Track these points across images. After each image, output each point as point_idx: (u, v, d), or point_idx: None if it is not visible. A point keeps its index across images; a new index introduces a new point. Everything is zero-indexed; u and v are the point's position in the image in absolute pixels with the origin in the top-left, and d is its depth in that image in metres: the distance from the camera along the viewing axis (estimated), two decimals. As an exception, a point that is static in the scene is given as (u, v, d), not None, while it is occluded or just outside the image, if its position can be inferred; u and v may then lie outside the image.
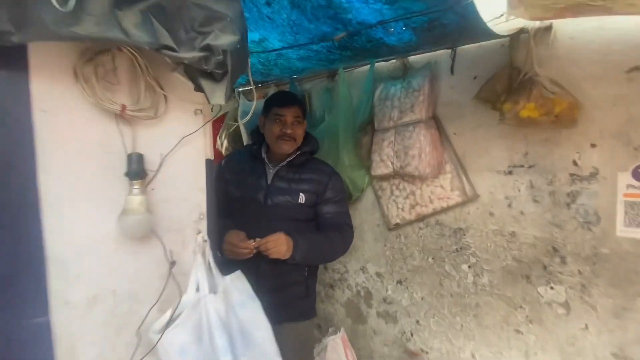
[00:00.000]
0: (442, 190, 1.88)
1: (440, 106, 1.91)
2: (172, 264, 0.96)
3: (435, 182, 1.89)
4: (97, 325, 0.89)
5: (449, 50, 1.83)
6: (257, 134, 1.66)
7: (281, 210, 1.54)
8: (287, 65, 2.07)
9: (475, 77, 1.78)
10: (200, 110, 1.05)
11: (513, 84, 1.53)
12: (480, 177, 1.79)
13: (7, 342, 0.76)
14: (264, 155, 1.60)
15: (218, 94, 0.84)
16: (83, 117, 0.85)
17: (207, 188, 1.07)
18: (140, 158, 0.90)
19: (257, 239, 1.35)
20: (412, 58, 1.99)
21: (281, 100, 1.53)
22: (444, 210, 1.92)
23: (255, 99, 1.29)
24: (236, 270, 1.05)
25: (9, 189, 0.76)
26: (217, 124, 3.12)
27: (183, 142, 1.00)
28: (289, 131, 1.50)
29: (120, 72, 0.89)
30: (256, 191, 1.57)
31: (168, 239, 0.98)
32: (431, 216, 1.98)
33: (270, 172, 1.59)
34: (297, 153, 1.58)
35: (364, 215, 2.35)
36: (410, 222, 2.07)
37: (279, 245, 1.36)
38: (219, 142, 3.06)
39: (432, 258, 2.04)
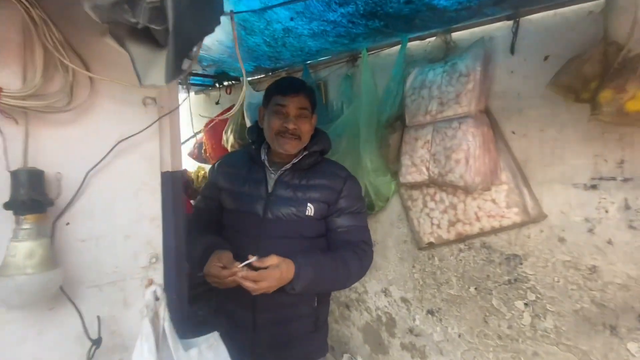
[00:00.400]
0: (494, 206, 1.45)
1: (495, 97, 1.47)
2: (95, 343, 0.61)
3: (485, 196, 1.46)
4: None
5: (509, 23, 1.39)
6: (256, 130, 1.29)
7: (284, 225, 1.18)
8: (298, 46, 1.68)
9: (546, 58, 1.33)
10: (153, 100, 0.68)
11: (611, 65, 1.08)
12: (548, 191, 1.36)
13: None
14: (263, 157, 1.23)
15: (154, 71, 0.47)
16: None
17: (165, 216, 0.71)
18: (35, 178, 0.54)
19: (241, 266, 0.99)
20: (457, 34, 1.55)
21: (283, 87, 1.15)
22: (495, 231, 1.49)
23: (244, 87, 0.91)
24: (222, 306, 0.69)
25: None
26: (221, 120, 2.79)
27: (123, 149, 0.64)
28: (291, 126, 1.13)
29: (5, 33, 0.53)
30: (254, 202, 1.21)
31: (94, 300, 0.63)
32: (476, 237, 1.56)
33: (272, 177, 1.23)
34: (304, 154, 1.21)
35: (387, 228, 1.95)
36: (448, 243, 1.66)
37: (267, 281, 0.99)
38: (224, 138, 2.74)
39: (475, 288, 1.62)
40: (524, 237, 1.44)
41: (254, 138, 1.28)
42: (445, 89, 1.48)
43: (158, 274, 0.71)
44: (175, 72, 0.48)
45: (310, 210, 1.19)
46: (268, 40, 1.64)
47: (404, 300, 1.95)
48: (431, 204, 1.65)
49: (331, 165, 1.29)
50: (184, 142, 3.23)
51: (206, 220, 1.30)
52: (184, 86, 2.47)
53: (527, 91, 1.38)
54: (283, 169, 1.21)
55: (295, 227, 1.18)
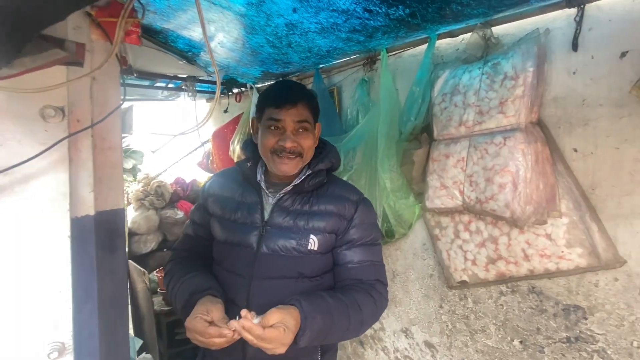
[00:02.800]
0: (550, 244, 1.14)
1: (551, 104, 1.16)
2: None
3: (536, 230, 1.16)
4: None
5: (571, 11, 1.09)
6: (250, 146, 1.05)
7: (281, 262, 0.94)
8: (306, 46, 1.45)
9: (624, 54, 1.02)
10: (60, 110, 0.45)
11: None
12: (626, 227, 1.04)
13: None
14: (260, 177, 1.00)
15: None
16: None
17: (79, 285, 0.48)
18: None
19: (237, 323, 0.76)
20: (500, 28, 1.26)
21: (277, 98, 0.92)
22: (550, 274, 1.17)
23: (217, 93, 0.68)
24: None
25: None
26: (232, 126, 2.62)
27: (5, 186, 0.41)
28: (288, 144, 0.90)
29: None
30: (247, 232, 0.98)
31: None
32: (523, 279, 1.25)
33: (269, 202, 0.99)
34: (308, 173, 0.97)
35: (410, 258, 1.66)
36: (486, 283, 1.35)
37: (273, 344, 0.77)
38: (231, 148, 2.56)
39: (521, 342, 1.30)
40: (589, 285, 1.12)
41: (249, 154, 1.04)
42: (485, 95, 1.19)
43: (65, 371, 0.48)
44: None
45: (313, 243, 0.95)
46: (271, 39, 1.41)
47: (429, 345, 1.64)
48: (465, 235, 1.35)
49: (340, 186, 1.04)
50: (190, 153, 3.08)
51: (194, 251, 1.08)
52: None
53: (595, 97, 1.07)
54: (282, 191, 0.97)
55: (295, 265, 0.95)
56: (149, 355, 1.80)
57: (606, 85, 1.05)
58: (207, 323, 0.79)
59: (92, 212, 0.50)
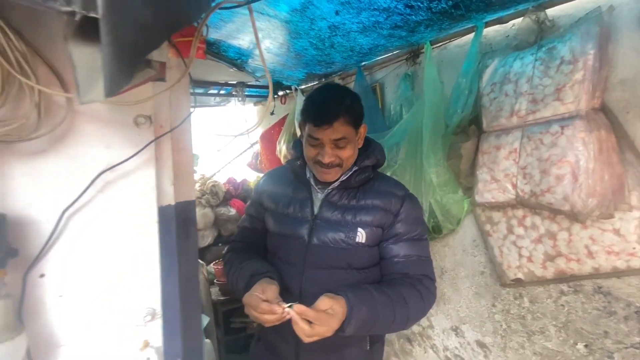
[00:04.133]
0: (618, 240, 1.05)
1: (617, 88, 1.07)
2: None
3: (602, 225, 1.07)
4: None
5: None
6: (300, 145, 1.12)
7: (331, 253, 1.00)
8: (348, 45, 1.48)
9: None
10: (148, 118, 0.55)
11: None
12: None
13: None
14: (309, 174, 1.06)
15: (93, 85, 0.32)
16: None
17: (165, 261, 0.57)
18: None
19: (289, 308, 0.83)
20: (555, 10, 1.18)
21: (315, 117, 0.96)
22: (619, 272, 1.08)
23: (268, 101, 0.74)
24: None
25: None
26: (278, 127, 2.74)
27: (109, 181, 0.52)
28: (326, 160, 0.96)
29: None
30: (299, 225, 1.05)
31: None
32: (587, 278, 1.16)
33: (318, 197, 1.05)
34: (354, 169, 1.02)
35: (460, 255, 1.62)
36: (544, 281, 1.28)
37: (325, 327, 0.83)
38: (277, 148, 2.68)
39: (586, 346, 1.21)
40: (669, 286, 1.01)
41: (299, 154, 1.11)
42: (540, 82, 1.13)
43: (155, 335, 0.57)
44: (121, 80, 0.32)
45: (361, 236, 0.99)
46: (314, 42, 1.47)
47: (481, 344, 1.58)
48: (519, 230, 1.29)
49: (386, 182, 1.07)
50: (240, 154, 3.28)
51: (251, 241, 1.17)
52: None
53: (673, 77, 0.96)
54: (330, 187, 1.03)
55: (344, 256, 0.99)
56: (208, 340, 1.97)
57: (686, 63, 0.94)
58: (261, 300, 0.86)
59: (172, 202, 0.60)
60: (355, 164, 1.02)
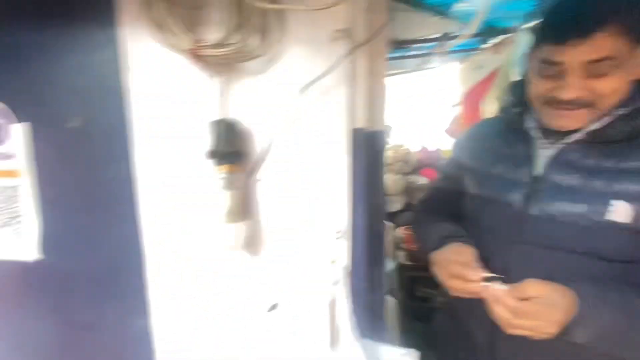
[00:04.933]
0: None
1: None
2: (273, 307, 0.58)
3: None
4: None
5: None
6: (521, 87, 0.84)
7: (560, 231, 0.71)
8: None
9: None
10: (347, 32, 0.53)
11: None
12: None
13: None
14: (531, 124, 0.80)
15: None
16: (169, 69, 0.59)
17: (354, 186, 0.57)
18: (229, 128, 0.55)
19: (494, 281, 0.67)
20: None
21: (559, 23, 0.65)
22: None
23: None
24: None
25: (104, 180, 0.66)
26: (486, 85, 2.34)
27: (307, 99, 0.55)
28: (566, 96, 0.65)
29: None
30: (509, 188, 0.80)
31: (272, 267, 0.59)
32: None
33: (544, 154, 0.77)
34: (617, 114, 0.67)
35: None
36: None
37: (540, 321, 0.61)
38: (481, 110, 2.32)
39: None
40: None
41: (518, 99, 0.84)
42: None
43: (342, 254, 0.58)
44: None
45: (618, 212, 0.66)
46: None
47: None
48: None
49: None
50: (437, 120, 3.04)
51: (444, 203, 1.02)
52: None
53: None
54: (569, 139, 0.73)
55: (584, 237, 0.69)
56: (392, 297, 2.02)
57: None
58: (468, 260, 0.71)
59: (364, 127, 0.57)
60: (621, 105, 0.66)
